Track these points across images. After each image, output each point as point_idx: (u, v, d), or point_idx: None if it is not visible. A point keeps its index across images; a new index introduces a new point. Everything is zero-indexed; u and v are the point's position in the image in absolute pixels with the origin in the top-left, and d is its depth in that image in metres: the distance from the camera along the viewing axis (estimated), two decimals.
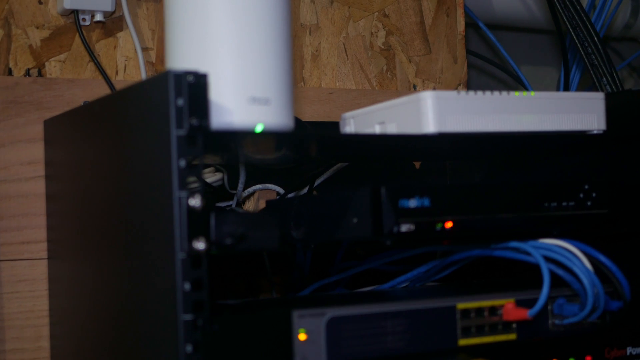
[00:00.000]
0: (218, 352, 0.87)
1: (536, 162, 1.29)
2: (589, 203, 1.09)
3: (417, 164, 1.45)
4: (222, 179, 1.26)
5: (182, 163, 0.87)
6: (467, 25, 1.61)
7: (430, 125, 1.01)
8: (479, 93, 1.04)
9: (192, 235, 0.86)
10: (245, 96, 0.94)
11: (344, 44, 1.44)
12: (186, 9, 0.96)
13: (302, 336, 0.91)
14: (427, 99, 1.01)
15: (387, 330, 0.95)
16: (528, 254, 1.01)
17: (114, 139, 0.99)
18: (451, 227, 1.01)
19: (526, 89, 1.60)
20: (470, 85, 1.62)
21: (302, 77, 1.40)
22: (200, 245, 0.86)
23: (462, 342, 1.00)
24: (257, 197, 1.33)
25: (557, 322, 1.05)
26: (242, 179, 1.23)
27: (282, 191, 1.33)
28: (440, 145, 1.08)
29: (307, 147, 1.05)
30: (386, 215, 0.97)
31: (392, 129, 1.05)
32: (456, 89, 1.51)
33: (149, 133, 0.90)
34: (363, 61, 1.45)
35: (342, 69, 1.43)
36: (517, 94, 1.06)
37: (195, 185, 0.87)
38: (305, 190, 1.35)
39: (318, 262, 1.30)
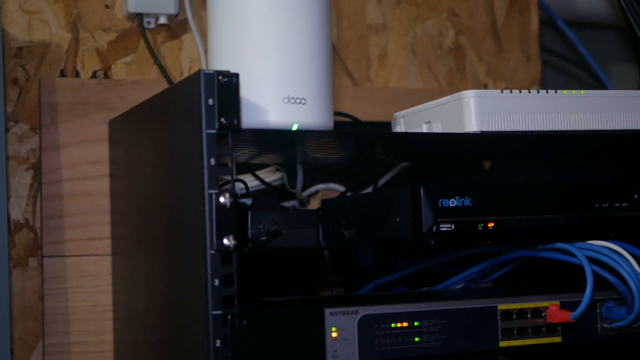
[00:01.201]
0: (250, 347, 0.89)
1: (599, 163, 1.26)
2: None
3: (487, 164, 1.43)
4: (282, 178, 1.27)
5: (213, 161, 0.88)
6: (545, 22, 1.59)
7: (472, 124, 1.01)
8: (524, 92, 1.02)
9: (222, 232, 0.88)
10: (281, 96, 0.96)
11: (411, 44, 1.43)
12: (225, 11, 0.98)
13: (334, 334, 0.91)
14: (470, 98, 1.01)
15: (422, 330, 0.95)
16: (573, 255, 0.99)
17: (159, 137, 1.01)
18: (493, 227, 1.00)
19: (606, 87, 1.57)
20: (546, 84, 1.59)
21: (367, 77, 1.41)
22: (230, 242, 0.88)
23: (503, 343, 0.98)
24: (321, 196, 1.34)
25: (605, 325, 1.02)
26: (299, 178, 1.24)
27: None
28: (485, 144, 1.07)
29: (351, 145, 1.05)
30: (425, 215, 0.97)
31: (437, 128, 1.05)
32: (529, 88, 1.49)
33: (184, 132, 0.92)
34: (431, 61, 1.44)
35: (409, 69, 1.43)
36: (565, 92, 1.04)
37: (226, 183, 0.89)
38: (370, 190, 1.35)
39: (382, 261, 1.30)
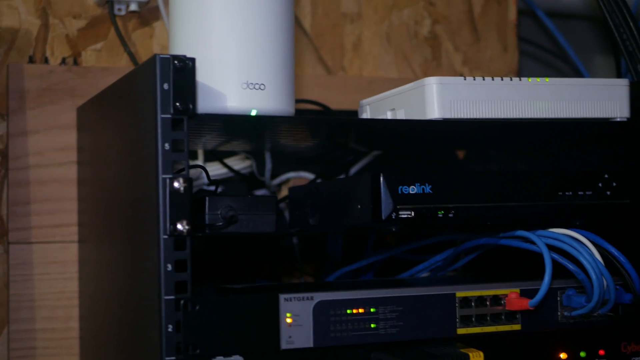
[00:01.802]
0: (203, 332, 0.88)
1: (566, 152, 1.25)
2: (608, 193, 1.06)
3: (461, 154, 1.43)
4: (251, 166, 1.26)
5: (167, 146, 0.88)
6: (525, 13, 1.58)
7: (435, 111, 1.00)
8: (487, 79, 1.02)
9: (175, 217, 0.87)
10: (240, 81, 0.95)
11: (387, 33, 1.43)
12: None
13: (289, 319, 0.91)
14: (432, 85, 1.00)
15: (378, 317, 0.94)
16: (533, 242, 0.99)
17: (120, 123, 1.01)
18: (454, 215, 0.99)
19: (583, 77, 1.56)
20: (523, 74, 1.58)
21: (342, 66, 1.40)
22: (183, 227, 0.87)
23: (461, 331, 0.98)
24: (292, 185, 1.34)
25: (566, 313, 1.02)
26: (268, 166, 1.23)
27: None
28: (447, 132, 1.06)
29: (312, 132, 1.04)
30: (384, 201, 0.97)
31: (401, 115, 1.04)
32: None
33: (142, 117, 0.92)
34: (407, 50, 1.44)
35: (384, 58, 1.42)
36: (529, 80, 1.04)
37: (181, 168, 0.88)
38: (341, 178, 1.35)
39: (352, 250, 1.30)
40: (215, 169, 1.25)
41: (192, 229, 0.88)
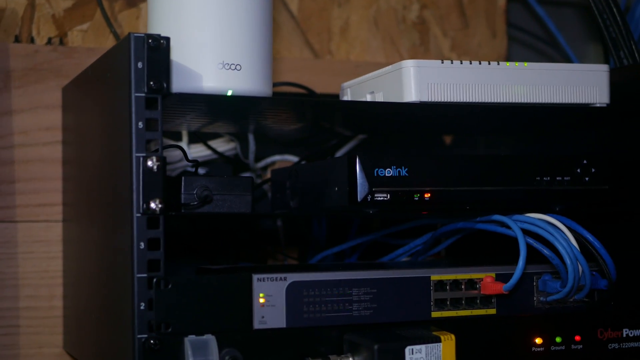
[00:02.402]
0: (175, 311, 0.88)
1: (549, 138, 1.25)
2: (587, 179, 1.06)
3: (448, 139, 1.43)
4: (235, 148, 1.27)
5: (141, 124, 0.88)
6: None
7: (412, 94, 1.00)
8: (465, 63, 1.02)
9: (149, 196, 0.88)
10: (216, 61, 0.95)
11: (374, 17, 1.43)
12: None
13: (261, 300, 0.91)
14: (409, 67, 1.00)
15: (352, 299, 0.95)
16: (509, 227, 0.99)
17: (99, 102, 1.01)
18: (430, 198, 1.00)
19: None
20: (513, 60, 1.57)
21: (329, 50, 1.40)
22: (156, 205, 0.88)
23: (436, 314, 0.98)
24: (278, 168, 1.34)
25: (541, 298, 1.02)
26: (251, 148, 1.24)
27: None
28: (427, 115, 1.07)
29: (288, 113, 1.05)
30: (360, 184, 0.97)
31: (379, 98, 1.05)
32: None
33: (118, 96, 0.92)
34: (394, 35, 1.44)
35: (372, 43, 1.42)
36: (508, 64, 1.04)
37: (155, 147, 0.89)
38: None
39: (336, 234, 1.30)
40: (199, 151, 1.25)
41: (166, 208, 0.88)
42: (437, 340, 0.91)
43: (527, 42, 1.60)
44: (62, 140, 1.23)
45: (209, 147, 1.24)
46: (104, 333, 1.00)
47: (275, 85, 1.29)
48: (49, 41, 1.25)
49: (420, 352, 0.90)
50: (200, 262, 1.21)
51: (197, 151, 1.25)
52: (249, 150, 1.24)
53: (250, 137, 1.23)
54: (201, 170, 1.21)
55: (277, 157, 1.32)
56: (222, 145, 1.26)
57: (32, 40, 1.25)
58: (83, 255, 1.11)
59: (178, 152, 1.20)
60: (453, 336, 0.92)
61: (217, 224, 1.27)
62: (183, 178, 0.96)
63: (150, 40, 0.88)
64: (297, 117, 1.08)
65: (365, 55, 1.42)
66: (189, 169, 1.19)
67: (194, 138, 1.26)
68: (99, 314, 1.02)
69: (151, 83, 0.88)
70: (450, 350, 0.92)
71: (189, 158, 1.04)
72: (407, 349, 0.90)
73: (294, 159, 1.32)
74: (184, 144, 1.24)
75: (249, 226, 1.30)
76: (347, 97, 1.11)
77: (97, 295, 1.03)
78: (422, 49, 1.45)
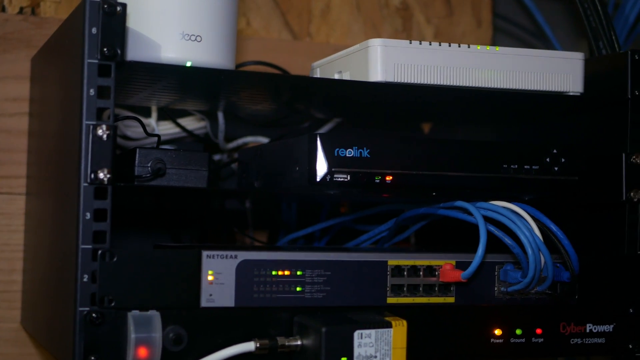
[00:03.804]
0: (120, 285, 0.86)
1: (527, 129, 1.23)
2: (556, 168, 1.03)
3: (427, 127, 1.40)
4: (206, 127, 1.24)
5: (92, 92, 0.86)
6: None
7: (378, 73, 0.98)
8: (434, 44, 1.00)
9: (97, 165, 0.85)
10: (177, 32, 0.93)
11: (356, 1, 1.40)
12: None
13: (210, 277, 0.89)
14: (376, 47, 0.98)
15: (305, 280, 0.92)
16: (470, 213, 0.96)
17: (58, 71, 0.99)
18: (392, 181, 0.97)
19: None
20: None
21: (308, 32, 1.38)
22: (104, 175, 0.85)
23: (392, 300, 0.96)
24: None
25: (502, 289, 0.99)
26: (221, 127, 1.21)
27: None
28: (393, 97, 1.04)
29: (250, 88, 1.02)
30: (320, 163, 0.95)
31: (347, 77, 1.02)
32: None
33: (72, 63, 0.90)
34: (376, 20, 1.41)
35: (353, 27, 1.40)
36: (478, 47, 1.01)
37: (106, 115, 0.86)
38: None
39: (306, 218, 1.28)
40: (168, 129, 1.23)
41: (115, 179, 0.86)
42: (388, 325, 0.89)
43: (514, 34, 1.57)
44: (28, 112, 1.20)
45: (178, 125, 1.21)
46: (52, 307, 0.98)
47: (246, 64, 1.27)
48: (21, 10, 1.23)
49: (369, 337, 0.88)
50: (166, 242, 1.19)
51: (166, 129, 1.23)
52: (218, 129, 1.22)
53: (220, 116, 1.20)
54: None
55: (249, 139, 1.30)
56: (192, 124, 1.24)
57: (3, 9, 1.22)
58: (41, 227, 1.09)
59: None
60: (405, 322, 0.90)
61: (183, 205, 1.25)
62: (137, 150, 0.94)
63: (105, 6, 0.86)
64: (260, 93, 1.05)
65: (345, 39, 1.39)
66: (163, 147, 1.16)
67: (164, 115, 1.24)
68: (48, 287, 1.00)
69: (104, 49, 0.86)
70: (401, 336, 0.89)
71: (154, 133, 1.02)
72: (356, 333, 0.88)
73: (266, 140, 1.30)
74: (152, 120, 1.21)
75: (218, 208, 1.28)
76: (316, 76, 1.09)
77: (49, 269, 1.01)
78: (404, 36, 1.42)
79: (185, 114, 1.25)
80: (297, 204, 1.28)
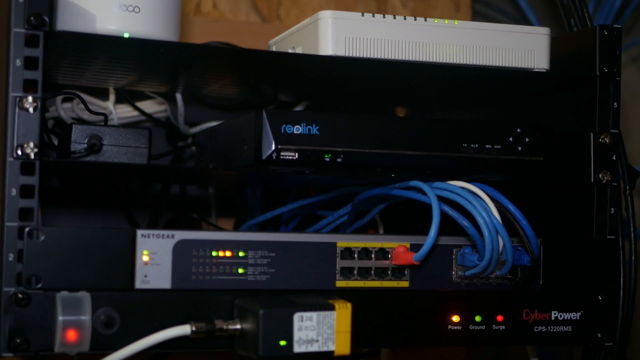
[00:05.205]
0: (48, 265, 0.82)
1: (501, 112, 1.18)
2: (519, 148, 0.98)
3: (401, 113, 1.35)
4: (166, 110, 1.20)
5: (18, 62, 0.82)
6: None
7: (328, 47, 0.94)
8: (388, 17, 0.95)
9: (23, 139, 0.81)
10: (113, 2, 0.89)
11: None
12: None
13: (145, 257, 0.85)
14: (327, 19, 0.94)
15: (247, 262, 0.88)
16: (425, 193, 0.92)
17: None
18: (342, 160, 0.93)
19: None
20: None
21: (277, 15, 1.34)
22: (31, 150, 0.81)
23: (341, 284, 0.91)
24: None
25: (460, 273, 0.95)
26: (180, 110, 1.17)
27: None
28: (345, 70, 0.99)
29: (191, 61, 0.97)
30: (265, 140, 0.90)
31: (299, 52, 0.98)
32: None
33: (2, 34, 0.86)
34: (349, 2, 1.37)
35: (324, 10, 1.35)
36: (436, 21, 0.97)
37: (35, 88, 0.83)
38: None
39: (272, 204, 1.23)
40: (126, 112, 1.18)
41: (43, 154, 0.82)
42: (331, 308, 0.84)
43: (494, 18, 1.53)
44: None
45: (136, 108, 1.17)
46: None
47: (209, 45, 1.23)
48: None
49: (310, 320, 0.83)
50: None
51: (124, 112, 1.18)
52: (177, 112, 1.17)
53: (179, 98, 1.16)
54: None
55: (213, 123, 1.25)
56: (152, 107, 1.19)
57: None
58: None
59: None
60: (349, 305, 0.85)
61: (141, 189, 1.21)
62: (73, 126, 0.90)
63: None
64: (211, 70, 1.01)
65: None
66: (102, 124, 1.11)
67: (122, 99, 1.20)
68: None
69: (31, 18, 0.82)
70: (345, 319, 0.84)
71: (100, 112, 0.98)
72: (296, 316, 0.83)
73: None
74: (109, 103, 1.17)
75: (179, 194, 1.24)
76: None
77: None
78: None
79: (146, 97, 1.21)
80: (262, 189, 1.23)
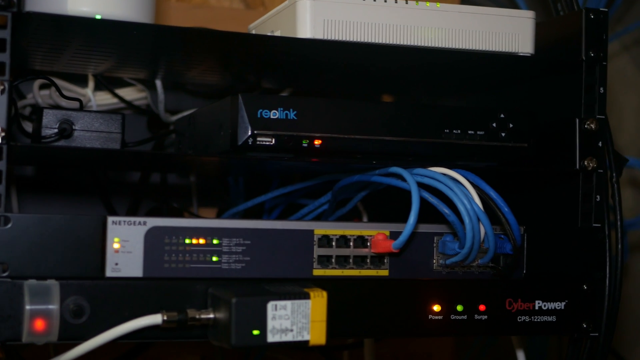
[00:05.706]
0: (16, 252, 0.80)
1: (494, 100, 1.16)
2: (503, 134, 0.96)
3: (388, 100, 1.33)
4: (146, 97, 1.18)
5: None
6: None
7: (306, 30, 0.91)
8: (369, 0, 0.93)
9: None
10: None
11: None
12: None
13: (116, 245, 0.82)
14: (305, 1, 0.91)
15: (222, 250, 0.86)
16: (405, 180, 0.89)
17: None
18: (321, 145, 0.91)
19: None
20: None
21: (262, 2, 1.31)
22: None
23: (318, 272, 0.89)
24: None
25: (441, 262, 0.92)
26: (160, 97, 1.15)
27: None
28: (324, 54, 0.97)
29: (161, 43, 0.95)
30: (241, 126, 0.88)
31: (278, 35, 0.96)
32: None
33: None
34: None
35: None
36: (417, 3, 0.94)
37: (2, 71, 0.80)
38: None
39: (256, 192, 1.21)
40: (105, 99, 1.16)
41: (10, 138, 0.80)
42: (306, 296, 0.82)
43: (482, 3, 1.50)
44: None
45: (115, 95, 1.15)
46: None
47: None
48: None
49: (285, 309, 0.81)
50: None
51: (103, 99, 1.16)
52: (157, 99, 1.15)
53: (158, 84, 1.14)
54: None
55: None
56: (132, 94, 1.17)
57: None
58: None
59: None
60: (325, 293, 0.83)
61: (121, 177, 1.19)
62: (44, 110, 0.88)
63: None
64: (189, 55, 0.99)
65: None
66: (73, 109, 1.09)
67: (100, 85, 1.17)
68: None
69: None
70: (320, 308, 0.82)
71: (75, 98, 0.96)
72: (270, 305, 0.81)
73: None
74: (88, 90, 1.15)
75: (159, 183, 1.22)
76: None
77: None
78: None
79: (126, 84, 1.19)
80: (245, 179, 1.21)
